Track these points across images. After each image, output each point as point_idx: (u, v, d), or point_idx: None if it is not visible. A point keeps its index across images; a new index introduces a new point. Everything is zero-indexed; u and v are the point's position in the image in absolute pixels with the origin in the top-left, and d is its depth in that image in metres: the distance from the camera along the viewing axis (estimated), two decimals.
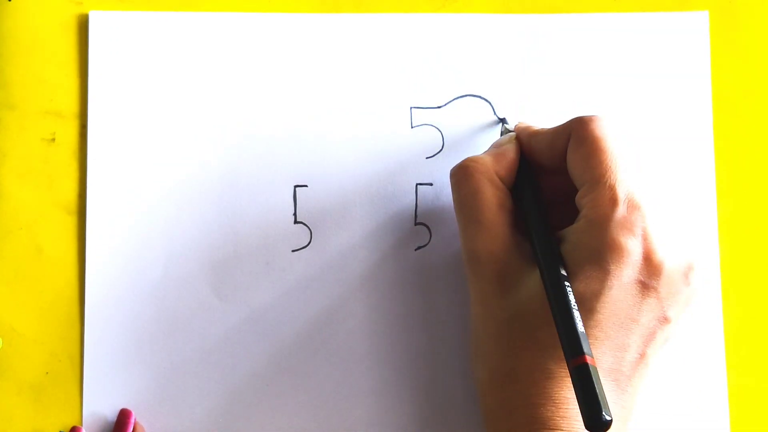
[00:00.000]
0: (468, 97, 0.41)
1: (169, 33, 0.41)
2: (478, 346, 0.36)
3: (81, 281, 0.40)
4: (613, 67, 0.41)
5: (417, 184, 0.41)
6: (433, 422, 0.40)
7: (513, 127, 0.39)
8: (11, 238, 0.40)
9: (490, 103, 0.41)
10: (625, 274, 0.33)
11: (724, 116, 0.42)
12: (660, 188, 0.40)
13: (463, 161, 0.37)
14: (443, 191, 0.41)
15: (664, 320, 0.34)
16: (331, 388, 0.40)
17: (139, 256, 0.40)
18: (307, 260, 0.40)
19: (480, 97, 0.41)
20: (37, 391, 0.40)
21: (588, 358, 0.31)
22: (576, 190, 0.36)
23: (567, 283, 0.33)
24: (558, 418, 0.32)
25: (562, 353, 0.32)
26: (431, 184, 0.41)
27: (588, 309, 0.33)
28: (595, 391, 0.30)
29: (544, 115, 0.41)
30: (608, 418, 0.29)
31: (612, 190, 0.34)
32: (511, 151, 0.37)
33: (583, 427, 0.32)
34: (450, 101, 0.41)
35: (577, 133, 0.35)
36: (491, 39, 0.42)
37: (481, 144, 0.41)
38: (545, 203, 0.37)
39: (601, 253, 0.33)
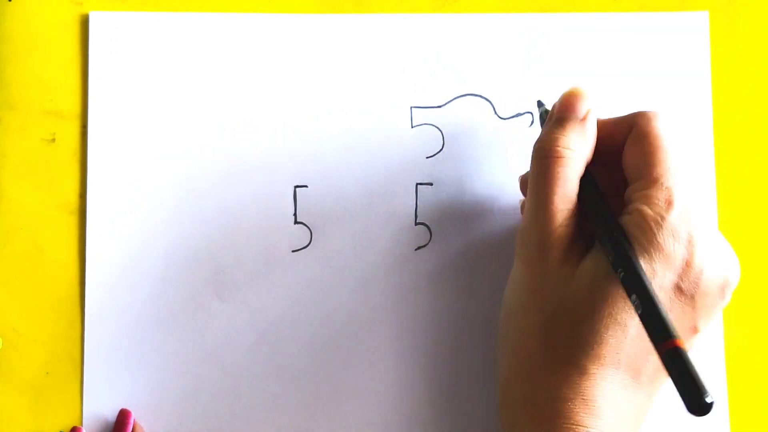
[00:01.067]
0: (468, 96, 0.41)
1: (169, 33, 0.41)
2: (510, 335, 0.36)
3: (81, 281, 0.40)
4: (613, 67, 0.42)
5: (417, 184, 0.41)
6: (434, 422, 0.40)
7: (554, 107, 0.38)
8: (11, 238, 0.40)
9: (490, 103, 0.41)
10: (667, 277, 0.33)
11: (724, 116, 0.42)
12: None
13: (557, 144, 0.35)
14: (443, 191, 0.41)
15: (694, 330, 0.34)
16: (332, 389, 0.40)
17: (139, 256, 0.40)
18: (307, 260, 0.40)
19: (480, 96, 0.41)
20: (37, 391, 0.40)
21: (679, 341, 0.30)
22: (621, 184, 0.35)
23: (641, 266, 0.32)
24: (584, 415, 0.32)
25: (599, 350, 0.33)
26: (431, 184, 0.41)
27: None
28: (694, 373, 0.29)
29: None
30: (711, 400, 0.28)
31: (669, 191, 0.34)
32: (594, 131, 0.36)
33: (609, 427, 0.32)
34: (450, 101, 0.41)
35: (640, 128, 0.35)
36: (491, 39, 0.42)
37: (482, 143, 0.41)
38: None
39: (648, 251, 0.33)
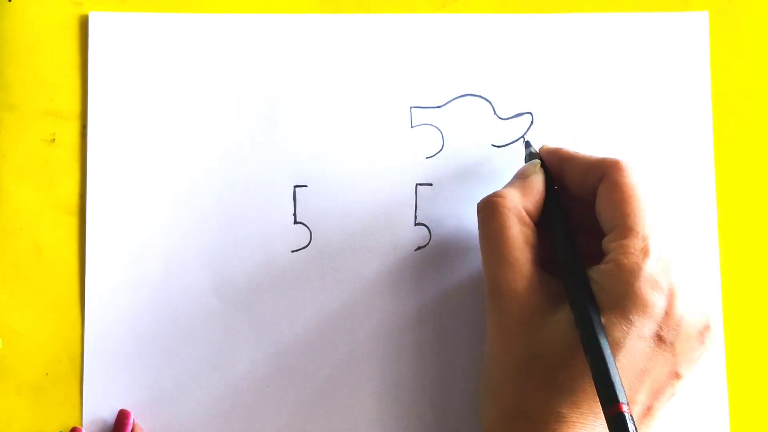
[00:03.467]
0: (468, 96, 0.41)
1: (168, 34, 0.41)
2: (491, 384, 0.36)
3: (81, 281, 0.40)
4: (613, 67, 0.41)
5: (417, 184, 0.41)
6: (433, 423, 0.40)
7: (537, 150, 0.39)
8: (11, 238, 0.40)
9: (490, 103, 0.41)
10: (646, 326, 0.33)
11: (724, 116, 0.42)
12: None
13: (490, 196, 0.37)
14: (443, 191, 0.41)
15: (675, 376, 0.34)
16: (331, 389, 0.40)
17: (139, 257, 0.40)
18: (307, 260, 0.40)
19: (480, 96, 0.41)
20: (37, 391, 0.40)
21: (624, 407, 0.30)
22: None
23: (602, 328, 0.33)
24: None
25: (575, 398, 0.33)
26: (431, 184, 0.41)
27: None
28: None
29: (544, 115, 0.41)
30: None
31: (644, 241, 0.34)
32: (538, 183, 0.37)
33: None
34: (450, 101, 0.41)
35: (611, 178, 0.35)
36: (491, 39, 0.42)
37: (481, 144, 0.41)
38: (574, 236, 0.36)
39: (626, 302, 0.33)
